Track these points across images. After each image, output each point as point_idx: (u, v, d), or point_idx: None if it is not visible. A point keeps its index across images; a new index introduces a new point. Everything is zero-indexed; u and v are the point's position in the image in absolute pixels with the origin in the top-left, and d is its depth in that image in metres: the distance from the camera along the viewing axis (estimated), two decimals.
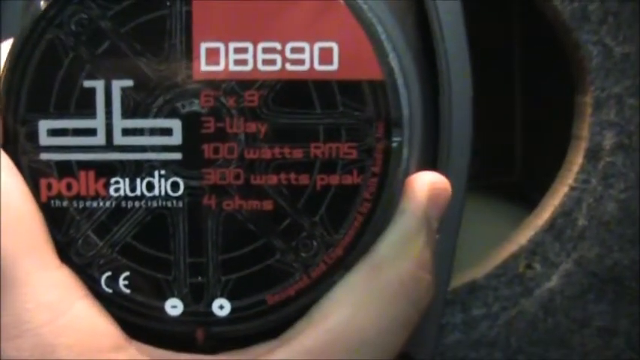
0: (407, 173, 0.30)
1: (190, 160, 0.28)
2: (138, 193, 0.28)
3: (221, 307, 0.28)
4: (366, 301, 0.27)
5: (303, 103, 0.28)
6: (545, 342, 0.41)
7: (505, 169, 0.51)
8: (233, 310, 0.28)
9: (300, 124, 0.28)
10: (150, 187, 0.28)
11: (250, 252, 0.28)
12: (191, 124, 0.28)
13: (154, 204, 0.28)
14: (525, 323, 0.42)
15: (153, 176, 0.28)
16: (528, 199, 0.47)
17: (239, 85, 0.28)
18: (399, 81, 0.30)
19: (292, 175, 0.28)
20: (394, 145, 0.29)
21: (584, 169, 0.42)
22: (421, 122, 0.30)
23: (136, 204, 0.28)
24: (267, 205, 0.28)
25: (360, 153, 0.28)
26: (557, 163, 0.43)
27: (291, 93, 0.28)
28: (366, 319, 0.27)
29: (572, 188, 0.42)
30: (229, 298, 0.28)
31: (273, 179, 0.28)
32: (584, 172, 0.42)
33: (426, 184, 0.30)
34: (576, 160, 0.42)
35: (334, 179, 0.28)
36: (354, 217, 0.28)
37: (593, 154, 0.41)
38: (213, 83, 0.28)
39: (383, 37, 0.28)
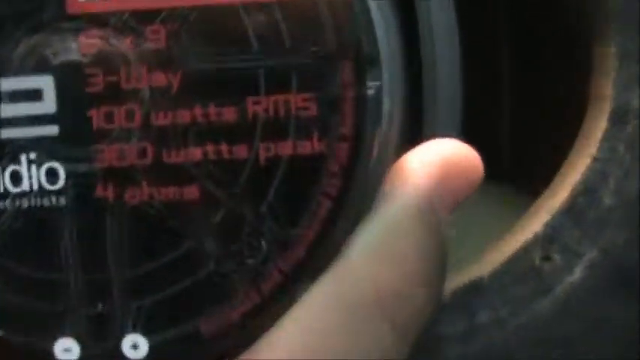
0: (390, 135, 0.23)
1: (72, 134, 0.22)
2: None
3: (134, 346, 0.23)
4: (332, 327, 0.22)
5: (233, 39, 0.22)
6: (565, 352, 0.38)
7: (491, 156, 0.45)
8: (152, 350, 0.22)
9: (230, 70, 0.22)
10: (15, 179, 0.22)
11: (171, 262, 0.22)
12: (69, 80, 0.22)
13: (24, 203, 0.22)
14: (541, 329, 0.38)
15: (18, 163, 0.22)
16: (520, 189, 0.45)
17: (136, 17, 0.22)
18: (372, 3, 0.22)
19: (223, 146, 0.22)
20: (370, 92, 0.22)
21: (610, 134, 0.38)
22: (403, 61, 0.24)
23: None
24: (191, 192, 0.22)
25: (321, 107, 0.22)
26: (549, 149, 0.41)
27: (213, 24, 0.22)
28: (331, 352, 0.22)
29: (594, 159, 0.38)
30: (145, 333, 0.22)
31: (195, 154, 0.22)
32: (609, 139, 0.38)
33: (438, 157, 0.23)
34: (598, 125, 0.38)
35: (285, 148, 0.22)
36: (319, 203, 0.22)
37: (619, 117, 0.37)
38: (98, 18, 0.22)
39: None
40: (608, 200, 0.38)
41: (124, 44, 0.22)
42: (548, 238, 0.38)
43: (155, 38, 0.22)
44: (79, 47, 0.22)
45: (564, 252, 0.38)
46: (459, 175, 0.23)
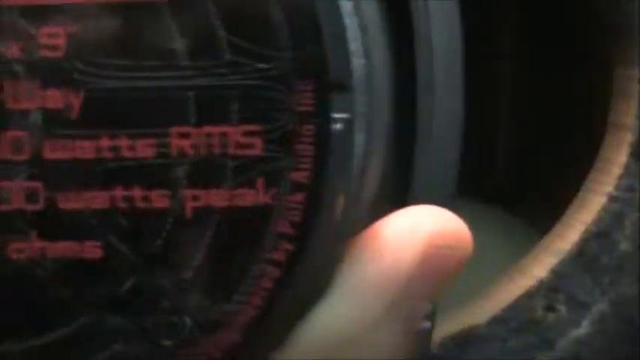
0: (364, 184, 0.18)
1: None
2: None
3: None
4: None
5: (155, 48, 0.17)
6: None
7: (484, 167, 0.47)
8: None
9: (150, 90, 0.17)
10: None
11: (66, 338, 0.17)
12: None
13: None
14: None
15: None
16: (514, 209, 0.43)
17: (27, 15, 0.17)
18: (344, 3, 0.17)
19: (137, 192, 0.17)
20: (336, 126, 0.17)
21: (630, 171, 0.36)
22: (387, 83, 0.19)
23: None
24: (93, 251, 0.17)
25: (269, 144, 0.17)
26: (550, 159, 0.41)
27: (128, 28, 0.17)
28: None
29: (611, 198, 0.36)
30: None
31: (100, 200, 0.17)
32: (628, 176, 0.36)
33: (421, 235, 0.18)
34: (617, 158, 0.36)
35: (219, 197, 0.17)
36: (262, 271, 0.17)
37: None
38: None
39: None
40: (624, 246, 0.36)
41: (10, 51, 0.17)
42: (554, 285, 0.36)
43: (52, 44, 0.17)
44: None
45: (570, 302, 0.36)
46: (446, 257, 0.19)
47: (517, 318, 0.36)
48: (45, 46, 0.17)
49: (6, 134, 0.17)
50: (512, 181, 0.46)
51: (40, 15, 0.17)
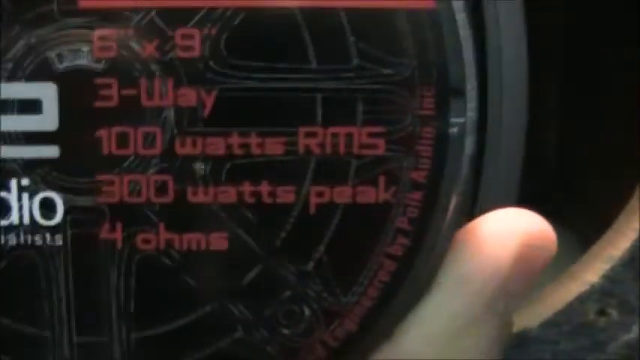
0: (469, 185, 0.18)
1: (75, 158, 0.18)
2: None
3: None
4: None
5: (286, 52, 0.17)
6: None
7: (533, 174, 0.44)
8: None
9: (280, 91, 0.17)
10: (3, 209, 0.18)
11: (187, 327, 0.18)
12: (75, 91, 0.17)
13: (11, 240, 0.18)
14: None
15: (7, 189, 0.18)
16: (564, 217, 0.39)
17: (164, 16, 0.17)
18: (459, 16, 0.18)
19: (264, 187, 0.18)
20: (453, 130, 0.18)
21: None
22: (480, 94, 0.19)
23: None
24: (219, 242, 0.18)
25: (391, 145, 0.18)
26: (602, 168, 0.39)
27: (262, 32, 0.17)
28: None
29: None
30: None
31: (228, 194, 0.18)
32: None
33: (517, 236, 0.19)
34: None
35: (343, 194, 0.18)
36: (380, 265, 0.18)
37: None
38: (117, 15, 0.17)
39: None
40: None
41: (147, 50, 0.17)
42: (606, 290, 0.35)
43: (187, 45, 0.17)
44: (91, 50, 0.17)
45: (622, 307, 0.35)
46: (536, 257, 0.19)
47: (569, 321, 0.35)
48: (180, 46, 0.17)
49: (138, 129, 0.17)
50: (558, 187, 0.45)
51: (177, 17, 0.17)
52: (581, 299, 0.34)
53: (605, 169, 0.40)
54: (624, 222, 0.35)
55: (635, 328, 0.34)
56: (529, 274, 0.19)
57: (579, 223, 0.42)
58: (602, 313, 0.34)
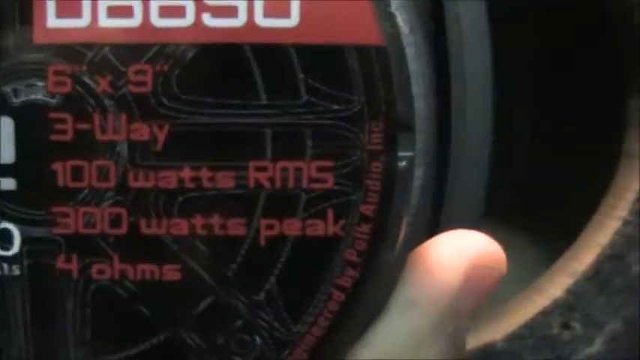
0: (419, 217, 0.19)
1: (31, 191, 0.18)
2: None
3: None
4: None
5: (236, 87, 0.18)
6: None
7: (503, 188, 0.46)
8: None
9: (230, 126, 0.18)
10: None
11: (142, 354, 0.18)
12: (31, 125, 0.18)
13: None
14: None
15: None
16: (531, 228, 0.44)
17: (118, 52, 0.18)
18: (409, 50, 0.18)
19: (215, 219, 0.18)
20: (401, 164, 0.18)
21: None
22: (435, 127, 0.19)
23: None
24: (172, 273, 0.18)
25: (340, 179, 0.18)
26: (567, 180, 0.41)
27: (213, 68, 0.18)
28: None
29: (625, 222, 0.36)
30: None
31: (180, 226, 0.18)
32: None
33: (464, 257, 0.19)
34: (630, 186, 0.37)
35: (292, 227, 0.18)
36: (329, 296, 0.18)
37: None
38: (71, 50, 0.17)
39: None
40: (636, 268, 0.37)
41: (100, 86, 0.17)
42: (569, 304, 0.37)
43: (139, 81, 0.17)
44: (46, 85, 0.17)
45: (585, 321, 0.37)
46: (484, 277, 0.19)
47: (533, 335, 0.37)
48: (133, 82, 0.17)
49: (92, 163, 0.17)
50: (524, 202, 0.46)
51: (130, 53, 0.17)
52: (545, 313, 0.36)
53: (571, 190, 0.41)
54: (588, 237, 0.37)
55: (597, 341, 0.36)
56: (478, 294, 0.19)
57: (544, 238, 0.43)
58: (565, 326, 0.36)
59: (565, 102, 0.44)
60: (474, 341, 0.36)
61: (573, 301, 0.36)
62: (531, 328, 0.36)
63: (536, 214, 0.44)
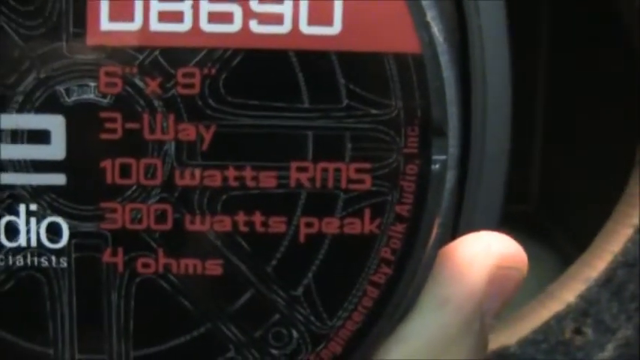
0: (449, 217, 0.19)
1: (80, 187, 0.18)
2: None
3: None
4: None
5: (280, 91, 0.18)
6: None
7: (518, 195, 0.46)
8: None
9: (274, 128, 0.18)
10: (11, 231, 0.18)
11: (182, 346, 0.18)
12: (82, 123, 0.18)
13: (19, 262, 0.18)
14: None
15: (16, 214, 0.18)
16: (547, 234, 0.44)
17: (168, 56, 0.18)
18: (443, 58, 0.18)
19: (257, 217, 0.18)
20: (435, 167, 0.18)
21: None
22: (462, 131, 0.19)
23: None
24: (214, 268, 0.18)
25: (377, 181, 0.18)
26: (582, 189, 0.41)
27: (258, 72, 0.18)
28: None
29: (638, 230, 0.35)
30: None
31: (223, 223, 0.18)
32: None
33: (490, 259, 0.19)
34: None
35: (331, 225, 0.18)
36: (364, 292, 0.18)
37: None
38: (123, 52, 0.18)
39: None
40: None
41: (150, 87, 0.18)
42: (582, 310, 0.36)
43: (188, 83, 0.18)
44: (98, 86, 0.18)
45: (597, 326, 0.36)
46: (508, 278, 0.19)
47: (547, 340, 0.36)
48: (182, 84, 0.18)
49: (140, 161, 0.18)
50: (540, 210, 0.46)
51: (179, 56, 0.17)
52: (559, 318, 0.35)
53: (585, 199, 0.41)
54: (601, 244, 0.36)
55: (609, 347, 0.35)
56: (503, 294, 0.19)
57: (560, 245, 0.43)
58: (578, 332, 0.36)
59: (579, 108, 0.44)
60: (489, 345, 0.36)
61: (586, 307, 0.36)
62: (545, 333, 0.36)
63: (550, 221, 0.44)
